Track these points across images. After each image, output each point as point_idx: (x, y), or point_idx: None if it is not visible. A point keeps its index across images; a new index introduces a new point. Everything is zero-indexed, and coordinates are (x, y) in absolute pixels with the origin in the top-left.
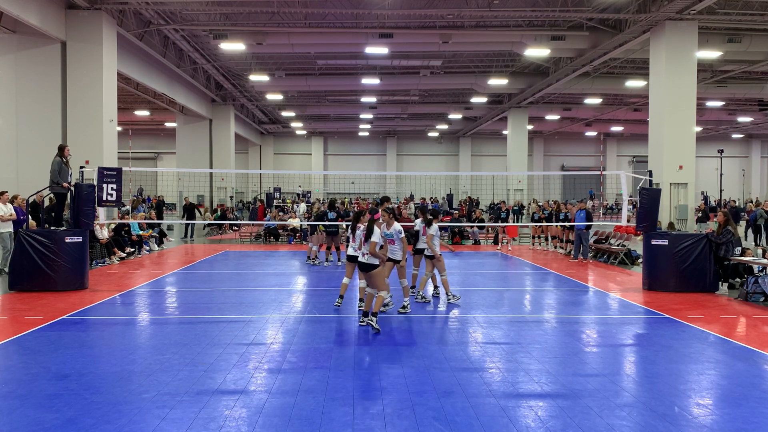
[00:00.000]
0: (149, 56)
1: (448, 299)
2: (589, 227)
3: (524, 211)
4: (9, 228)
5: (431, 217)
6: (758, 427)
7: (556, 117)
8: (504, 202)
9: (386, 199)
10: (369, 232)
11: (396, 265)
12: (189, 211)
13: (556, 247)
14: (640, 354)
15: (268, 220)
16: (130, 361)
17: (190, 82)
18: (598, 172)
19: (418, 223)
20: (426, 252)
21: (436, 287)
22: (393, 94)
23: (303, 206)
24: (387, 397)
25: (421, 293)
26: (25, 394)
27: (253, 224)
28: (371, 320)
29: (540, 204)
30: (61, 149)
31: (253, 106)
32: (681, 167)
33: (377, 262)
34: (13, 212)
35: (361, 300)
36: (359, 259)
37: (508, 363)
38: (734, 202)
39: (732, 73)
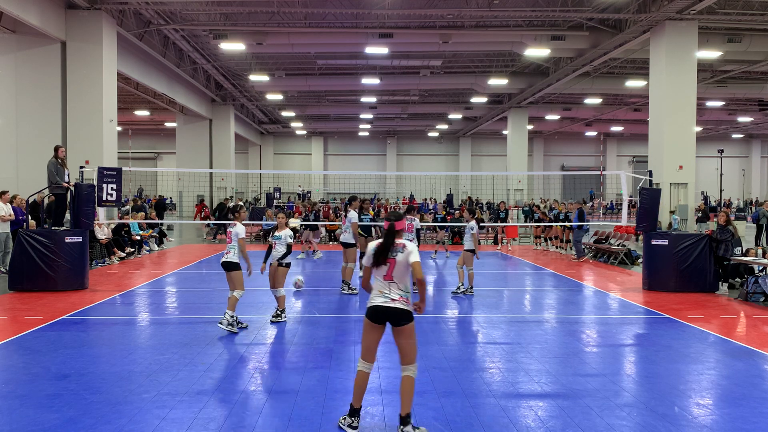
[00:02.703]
0: (149, 56)
1: (466, 291)
2: (580, 227)
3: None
4: (6, 229)
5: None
6: (758, 427)
7: (556, 117)
8: (504, 202)
9: (354, 198)
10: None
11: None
12: (222, 210)
13: (557, 248)
14: (640, 354)
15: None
16: (130, 361)
17: (190, 82)
18: (598, 172)
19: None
20: (468, 247)
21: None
22: (393, 94)
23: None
24: (387, 398)
25: (466, 287)
26: (25, 394)
27: (252, 224)
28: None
29: (539, 204)
30: (56, 150)
31: (253, 106)
32: (681, 167)
33: (411, 310)
34: (12, 212)
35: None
36: (385, 304)
37: (508, 363)
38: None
39: (732, 73)
